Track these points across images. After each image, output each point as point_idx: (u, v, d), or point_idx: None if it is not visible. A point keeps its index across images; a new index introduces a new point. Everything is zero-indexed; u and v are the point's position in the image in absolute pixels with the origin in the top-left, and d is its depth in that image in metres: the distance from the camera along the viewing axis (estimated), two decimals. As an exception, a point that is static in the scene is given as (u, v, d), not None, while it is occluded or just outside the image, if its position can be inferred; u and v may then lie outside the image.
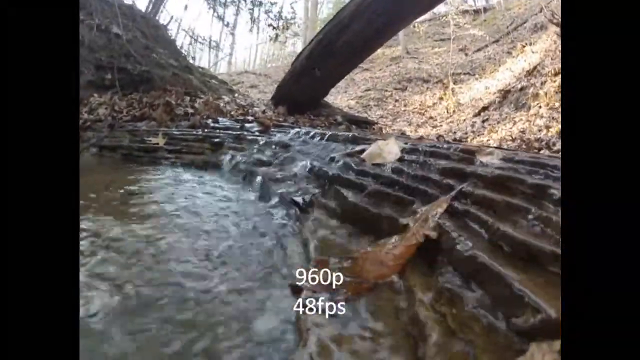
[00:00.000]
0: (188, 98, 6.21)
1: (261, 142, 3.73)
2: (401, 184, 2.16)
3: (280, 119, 5.84)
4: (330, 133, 3.46)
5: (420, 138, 3.44)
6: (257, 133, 4.13)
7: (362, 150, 2.81)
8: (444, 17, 27.88)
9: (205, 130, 4.41)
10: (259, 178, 2.91)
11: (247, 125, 4.47)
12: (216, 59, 31.90)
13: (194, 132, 4.33)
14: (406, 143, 2.78)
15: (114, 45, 7.23)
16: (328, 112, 7.27)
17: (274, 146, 3.57)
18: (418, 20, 23.57)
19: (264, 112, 6.58)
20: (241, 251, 1.87)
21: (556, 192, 1.51)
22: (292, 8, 17.46)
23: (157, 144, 4.07)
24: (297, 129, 3.96)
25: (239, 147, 3.77)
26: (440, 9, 27.43)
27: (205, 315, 1.36)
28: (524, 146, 8.63)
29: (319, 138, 3.51)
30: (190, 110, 5.50)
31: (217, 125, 4.66)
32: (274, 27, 14.80)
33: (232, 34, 17.00)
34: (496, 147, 2.58)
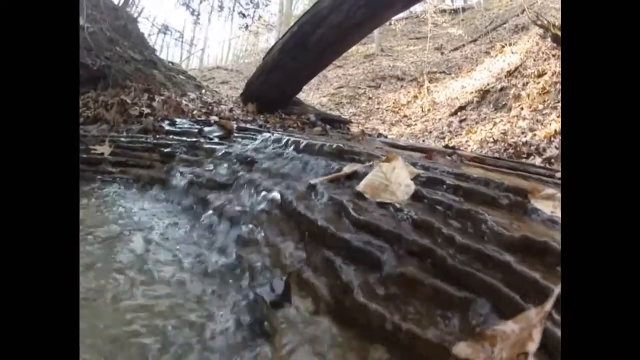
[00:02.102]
0: (146, 96, 5.37)
1: (219, 154, 2.91)
2: (438, 257, 1.31)
3: (249, 118, 5.24)
4: (306, 142, 2.61)
5: (429, 153, 2.50)
6: (216, 140, 3.33)
7: (355, 174, 2.01)
8: (422, 15, 27.44)
9: (158, 135, 3.62)
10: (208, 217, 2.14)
11: (206, 129, 3.62)
12: (188, 54, 31.02)
13: (144, 139, 3.55)
14: (415, 164, 2.02)
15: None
16: (300, 110, 6.58)
17: (234, 160, 2.75)
18: (395, 17, 23.16)
19: (231, 110, 5.95)
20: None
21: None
22: None
23: (102, 153, 3.33)
24: (266, 135, 3.12)
25: (193, 160, 2.97)
26: (417, 7, 26.94)
27: None
28: (510, 150, 8.02)
29: (292, 148, 2.65)
30: (147, 110, 4.64)
31: (172, 128, 3.84)
32: (244, 15, 13.77)
33: (198, 24, 15.73)
34: (550, 180, 1.98)
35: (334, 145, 2.43)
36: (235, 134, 3.43)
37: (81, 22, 6.41)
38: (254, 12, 14.30)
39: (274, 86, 6.30)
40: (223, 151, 2.90)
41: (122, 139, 3.60)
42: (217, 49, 40.91)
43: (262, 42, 35.49)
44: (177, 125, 3.94)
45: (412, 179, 1.80)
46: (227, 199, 2.22)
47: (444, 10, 29.29)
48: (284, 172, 2.34)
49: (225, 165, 2.69)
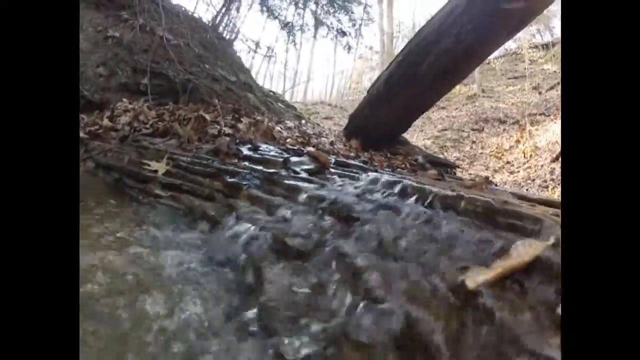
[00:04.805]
0: (232, 116, 4.68)
1: (303, 196, 1.88)
2: None
3: (351, 154, 4.38)
4: (435, 191, 1.60)
5: None
6: (304, 175, 2.30)
7: (538, 263, 1.09)
8: (519, 52, 26.51)
9: (227, 160, 2.69)
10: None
11: (293, 159, 2.60)
12: (292, 85, 30.71)
13: (209, 161, 2.66)
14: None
15: (159, 48, 6.04)
16: (406, 150, 5.78)
17: (323, 209, 1.70)
18: (493, 55, 22.50)
19: (332, 143, 5.17)
20: None
21: None
22: (366, 14, 15.08)
23: (156, 171, 2.61)
24: (373, 175, 2.08)
25: (264, 200, 1.98)
26: (510, 45, 25.86)
27: None
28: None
29: (414, 199, 1.61)
30: (228, 131, 3.83)
31: (252, 154, 2.87)
32: (344, 33, 12.69)
33: (293, 42, 14.75)
34: None
35: (479, 201, 1.43)
36: (332, 170, 2.42)
37: (160, 32, 6.20)
38: (356, 31, 13.20)
39: (380, 120, 5.55)
40: (310, 193, 1.88)
41: (183, 158, 2.76)
42: (321, 84, 40.56)
43: (365, 80, 34.95)
44: (260, 151, 2.98)
45: None
46: (295, 283, 1.22)
47: (536, 46, 28.13)
48: (406, 248, 1.29)
49: (309, 216, 1.66)
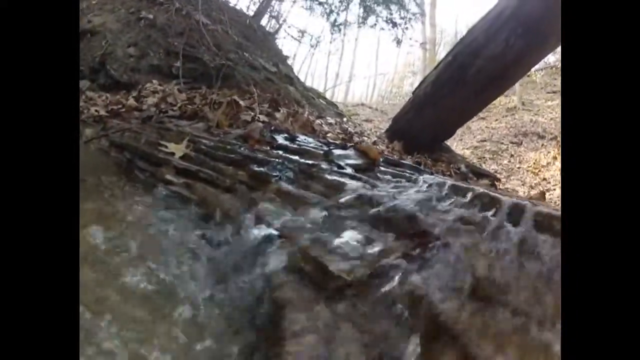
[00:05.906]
0: (268, 104, 4.32)
1: (348, 197, 1.42)
2: None
3: (395, 157, 3.83)
4: (523, 205, 1.19)
5: None
6: (350, 170, 1.85)
7: None
8: (559, 66, 25.62)
9: (258, 147, 2.27)
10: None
11: (336, 152, 2.14)
12: (333, 85, 30.53)
13: (236, 147, 2.22)
14: None
15: (194, 33, 5.84)
16: (449, 157, 5.47)
17: (376, 216, 1.25)
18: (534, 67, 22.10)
19: (374, 143, 4.85)
20: None
21: None
22: (417, 7, 14.35)
23: (173, 154, 2.21)
24: (431, 178, 1.65)
25: (297, 196, 1.53)
26: (550, 58, 25.25)
27: None
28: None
29: (493, 213, 1.19)
30: (264, 119, 3.45)
31: (288, 144, 2.43)
32: (394, 24, 12.03)
33: (339, 31, 14.20)
34: None
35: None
36: (382, 168, 1.97)
37: (196, 16, 6.00)
38: (406, 22, 12.51)
39: (425, 124, 5.28)
40: (357, 193, 1.43)
41: (206, 141, 2.33)
42: (362, 86, 40.29)
43: (406, 85, 34.67)
44: (298, 142, 2.54)
45: None
46: (342, 338, 0.79)
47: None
48: (510, 290, 0.86)
49: (355, 223, 1.20)
